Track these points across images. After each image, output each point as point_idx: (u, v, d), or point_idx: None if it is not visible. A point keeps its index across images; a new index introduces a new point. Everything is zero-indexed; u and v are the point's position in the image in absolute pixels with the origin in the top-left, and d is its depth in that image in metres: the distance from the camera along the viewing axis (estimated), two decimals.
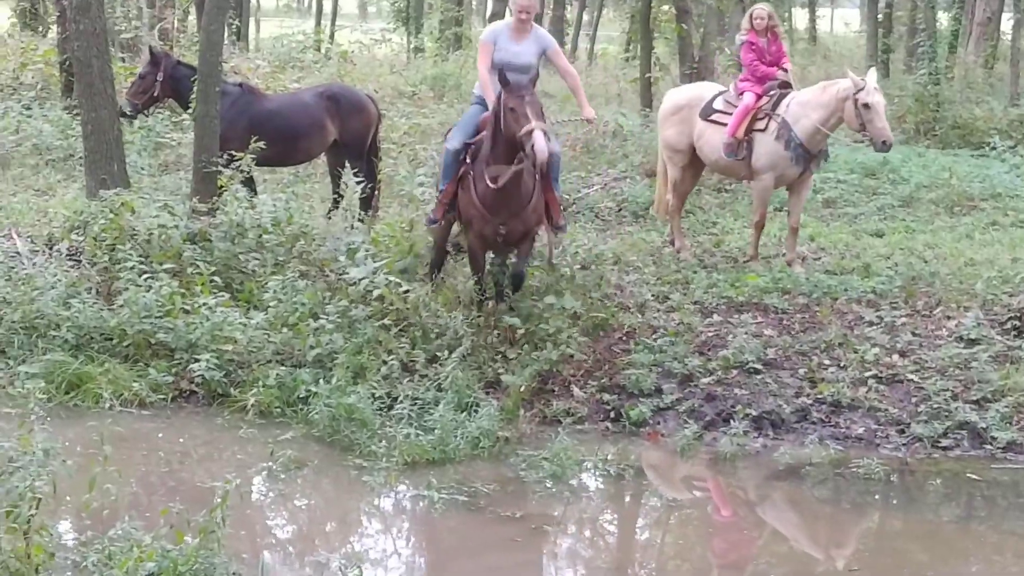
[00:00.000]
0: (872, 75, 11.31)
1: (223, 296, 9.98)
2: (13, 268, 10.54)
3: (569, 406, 9.39)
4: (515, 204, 9.54)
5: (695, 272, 11.64)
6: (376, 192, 12.60)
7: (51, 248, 11.16)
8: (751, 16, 11.90)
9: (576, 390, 9.57)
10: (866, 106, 10.89)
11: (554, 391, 9.57)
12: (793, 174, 11.55)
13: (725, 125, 11.69)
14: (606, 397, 9.47)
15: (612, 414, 9.37)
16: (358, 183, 11.93)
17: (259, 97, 12.86)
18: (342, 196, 12.50)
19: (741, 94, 11.74)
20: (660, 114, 12.79)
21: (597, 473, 8.62)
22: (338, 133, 12.66)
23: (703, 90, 12.50)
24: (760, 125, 11.58)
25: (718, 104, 11.91)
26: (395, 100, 19.52)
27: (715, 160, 12.01)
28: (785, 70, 11.80)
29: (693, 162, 12.37)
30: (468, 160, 9.75)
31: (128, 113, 12.83)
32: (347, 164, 12.73)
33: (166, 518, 6.22)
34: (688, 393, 9.49)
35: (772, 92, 11.64)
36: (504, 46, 9.88)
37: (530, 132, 8.84)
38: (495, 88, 9.40)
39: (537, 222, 9.85)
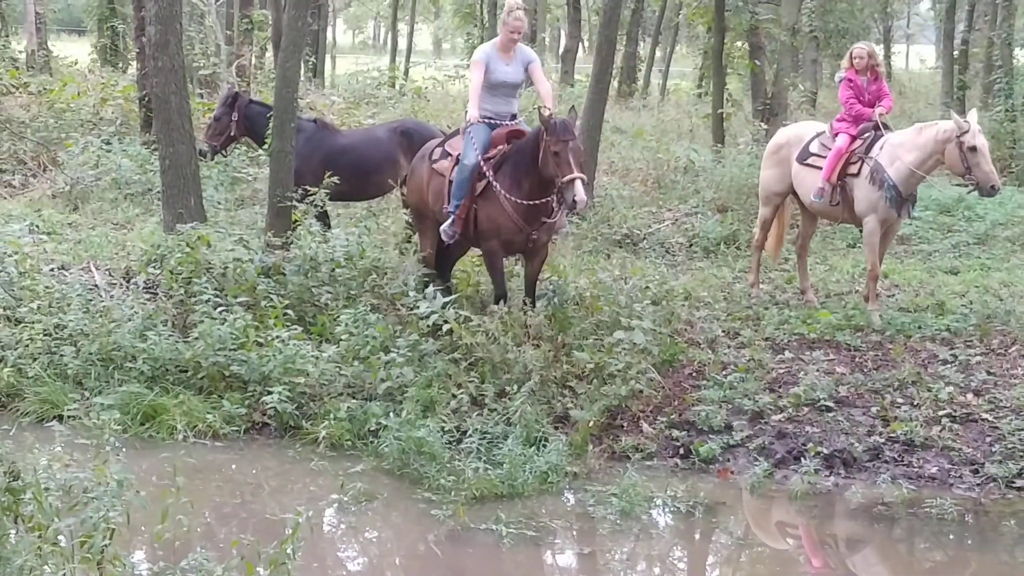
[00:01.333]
0: (974, 116, 10.89)
1: (296, 329, 10.09)
2: (91, 300, 10.76)
3: (638, 442, 9.36)
4: (547, 210, 10.19)
5: (766, 308, 11.60)
6: None
7: (128, 281, 11.37)
8: (851, 54, 11.70)
9: (645, 426, 9.55)
10: (972, 149, 10.49)
11: (623, 426, 9.55)
12: (891, 217, 11.16)
13: (819, 168, 11.44)
14: (675, 433, 9.43)
15: (681, 450, 9.32)
16: None
17: (333, 133, 13.02)
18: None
19: (836, 135, 11.47)
20: (765, 154, 12.61)
21: (666, 510, 8.58)
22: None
23: (803, 130, 12.19)
24: (853, 169, 11.26)
25: (814, 147, 11.64)
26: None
27: (811, 203, 11.69)
28: (885, 110, 11.47)
29: (793, 206, 12.22)
30: (490, 173, 10.18)
31: (207, 154, 13.08)
32: None
33: (238, 549, 6.28)
34: (758, 430, 9.43)
35: (866, 135, 11.32)
36: (496, 66, 10.41)
37: (572, 182, 9.51)
38: (473, 112, 10.29)
39: (559, 226, 10.61)
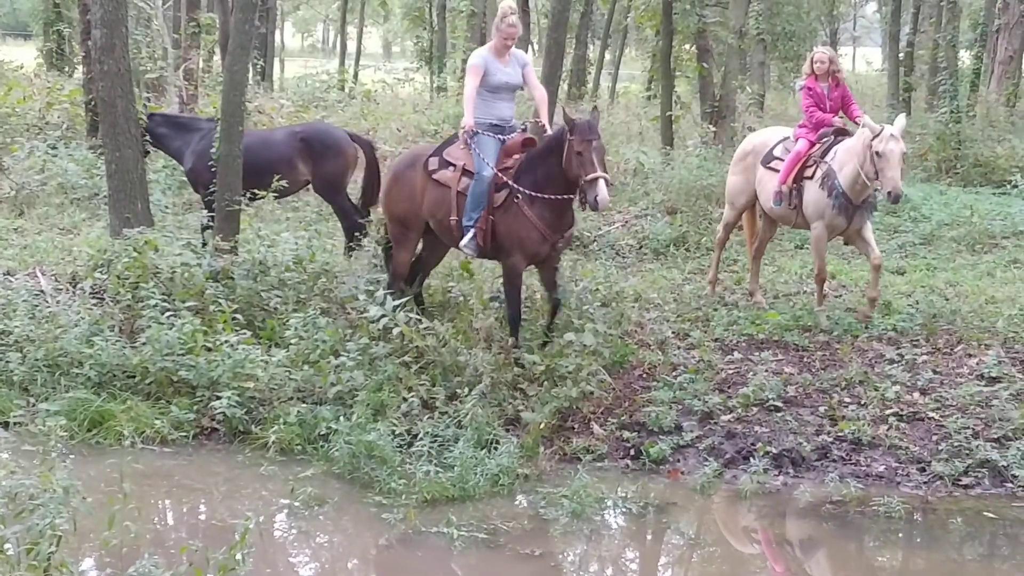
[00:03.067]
0: (899, 122, 10.88)
1: (245, 334, 10.04)
2: (37, 306, 10.66)
3: (589, 443, 9.38)
4: (570, 217, 10.19)
5: (715, 310, 11.67)
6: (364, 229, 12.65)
7: (75, 286, 11.28)
8: (811, 60, 11.66)
9: (596, 427, 9.58)
10: (878, 154, 10.52)
11: (574, 428, 9.57)
12: (840, 224, 11.14)
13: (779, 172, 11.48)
14: (626, 434, 9.47)
15: (632, 451, 9.36)
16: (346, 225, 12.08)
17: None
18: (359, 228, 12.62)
19: (797, 140, 11.51)
20: (733, 160, 12.62)
21: (617, 511, 8.61)
22: (310, 173, 12.77)
23: (769, 136, 12.19)
24: (809, 172, 11.28)
25: (778, 151, 11.67)
26: (418, 139, 19.61)
27: (770, 208, 11.71)
28: (854, 118, 11.38)
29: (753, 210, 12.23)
30: (510, 184, 9.97)
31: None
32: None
33: (187, 555, 6.23)
34: (708, 431, 9.49)
35: (825, 139, 11.33)
36: (496, 69, 10.26)
37: (595, 181, 9.44)
38: (469, 119, 10.09)
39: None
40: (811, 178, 11.26)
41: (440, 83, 28.25)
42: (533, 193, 9.87)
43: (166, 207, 14.75)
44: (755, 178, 11.87)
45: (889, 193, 10.57)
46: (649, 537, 8.63)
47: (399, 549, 7.97)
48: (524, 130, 10.50)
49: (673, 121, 19.31)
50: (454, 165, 10.28)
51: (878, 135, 10.57)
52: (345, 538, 8.24)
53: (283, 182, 12.13)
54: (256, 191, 11.88)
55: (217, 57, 23.87)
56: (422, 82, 29.55)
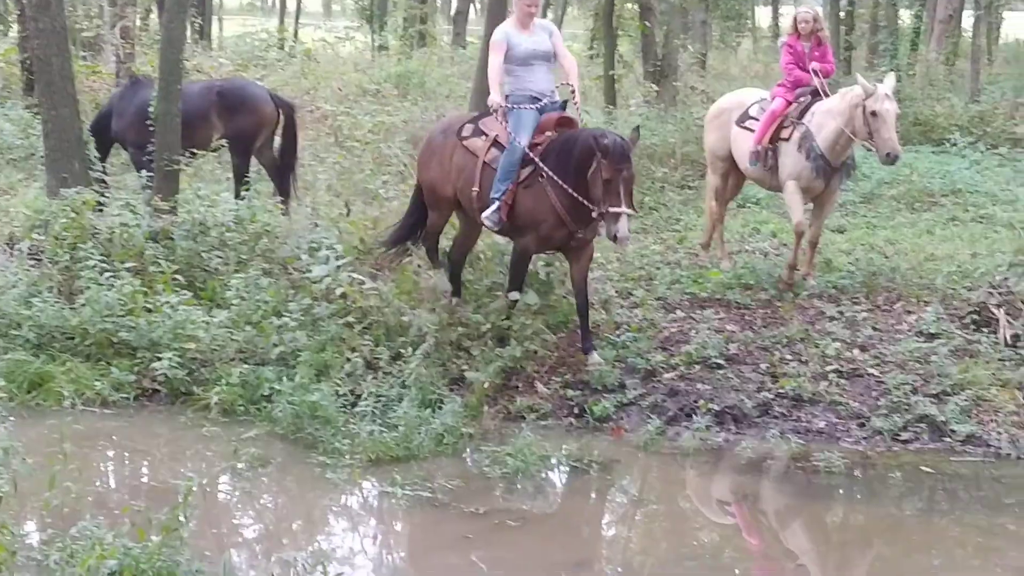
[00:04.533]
0: (889, 81, 10.70)
1: (186, 294, 9.97)
2: None
3: (533, 402, 9.41)
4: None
5: (658, 268, 11.70)
6: (291, 192, 12.55)
7: (12, 247, 11.11)
8: (795, 19, 11.41)
9: (540, 386, 9.60)
10: (873, 114, 10.30)
11: (518, 387, 9.59)
12: (817, 186, 10.97)
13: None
14: (570, 393, 9.50)
15: (576, 410, 9.39)
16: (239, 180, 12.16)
17: (146, 87, 12.72)
18: (286, 192, 12.53)
19: (773, 99, 11.30)
20: (706, 119, 12.43)
21: (560, 468, 8.64)
22: (223, 129, 12.60)
23: (745, 96, 11.98)
24: (785, 134, 11.07)
25: (753, 111, 11.45)
26: (359, 98, 19.48)
27: (746, 169, 11.52)
28: (826, 74, 11.20)
29: (736, 170, 11.90)
30: (536, 161, 9.51)
31: None
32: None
33: (128, 516, 6.20)
34: (651, 388, 9.53)
35: (802, 99, 11.12)
36: (522, 40, 9.77)
37: (617, 216, 8.90)
38: (495, 96, 9.61)
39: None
40: (787, 139, 11.05)
41: (381, 42, 28.04)
42: (556, 178, 9.34)
43: (103, 167, 14.52)
44: (730, 136, 11.68)
45: (888, 154, 10.40)
46: (593, 494, 8.66)
47: (343, 509, 7.97)
48: (563, 106, 9.96)
49: (615, 80, 19.28)
50: (486, 135, 9.89)
51: (872, 95, 10.35)
52: (289, 498, 8.22)
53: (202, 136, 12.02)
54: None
55: (154, 15, 23.56)
56: (363, 41, 29.30)
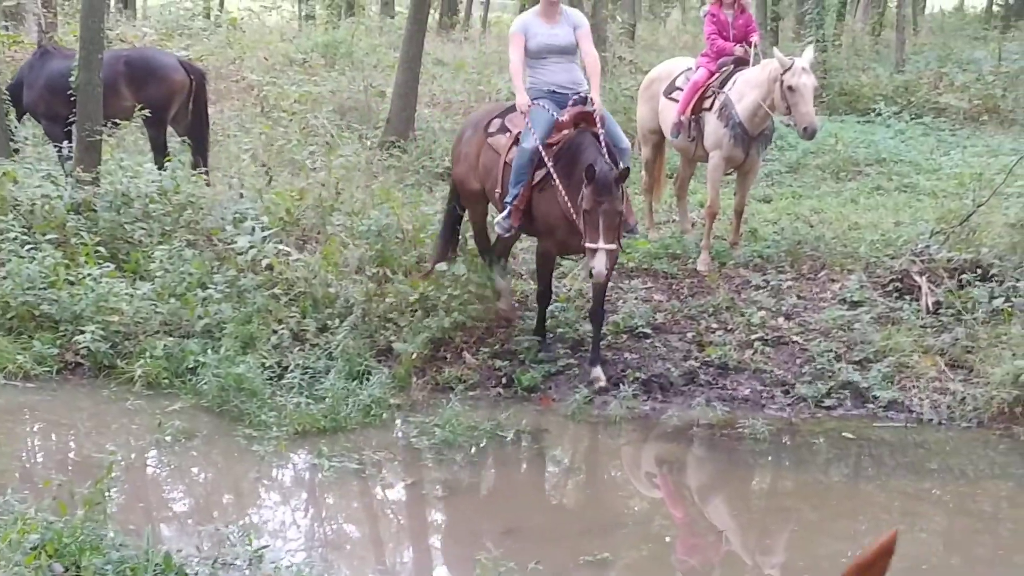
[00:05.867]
0: (807, 54, 10.65)
1: (108, 267, 9.84)
2: None
3: (461, 373, 9.40)
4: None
5: None
6: (205, 164, 12.40)
7: None
8: None
9: (468, 357, 9.60)
10: (791, 88, 10.24)
11: (446, 358, 9.58)
12: (737, 156, 10.91)
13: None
14: (498, 363, 9.50)
15: (504, 380, 9.40)
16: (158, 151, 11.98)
17: (55, 57, 12.54)
18: (204, 161, 12.40)
19: (697, 69, 11.21)
20: (639, 92, 12.30)
21: (488, 439, 8.62)
22: (135, 98, 12.40)
23: (674, 66, 11.85)
24: (708, 103, 11.01)
25: (680, 81, 11.37)
26: (285, 68, 19.29)
27: (670, 140, 11.44)
28: (750, 44, 11.14)
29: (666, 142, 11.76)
30: (550, 162, 9.00)
31: None
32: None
33: (50, 490, 6.12)
34: (579, 358, 9.56)
35: (724, 68, 11.06)
36: (539, 31, 9.24)
37: (593, 252, 8.52)
38: (521, 97, 9.14)
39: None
40: (710, 109, 11.01)
41: (308, 11, 27.78)
42: (566, 182, 8.84)
43: (25, 138, 14.27)
44: (659, 108, 11.62)
45: (805, 129, 10.35)
46: (522, 464, 8.68)
47: (270, 481, 7.92)
48: (576, 102, 9.28)
49: None
50: (510, 132, 9.42)
51: (789, 69, 10.31)
52: (215, 471, 8.17)
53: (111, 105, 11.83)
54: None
55: None
56: (290, 10, 29.02)
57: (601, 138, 8.91)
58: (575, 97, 9.24)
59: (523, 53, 9.24)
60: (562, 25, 9.31)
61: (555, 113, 9.12)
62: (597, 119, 9.01)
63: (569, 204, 8.76)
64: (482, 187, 9.64)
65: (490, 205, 9.85)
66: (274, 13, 27.57)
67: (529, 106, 9.10)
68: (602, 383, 9.15)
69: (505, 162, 9.32)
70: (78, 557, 5.60)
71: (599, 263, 8.47)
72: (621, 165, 8.83)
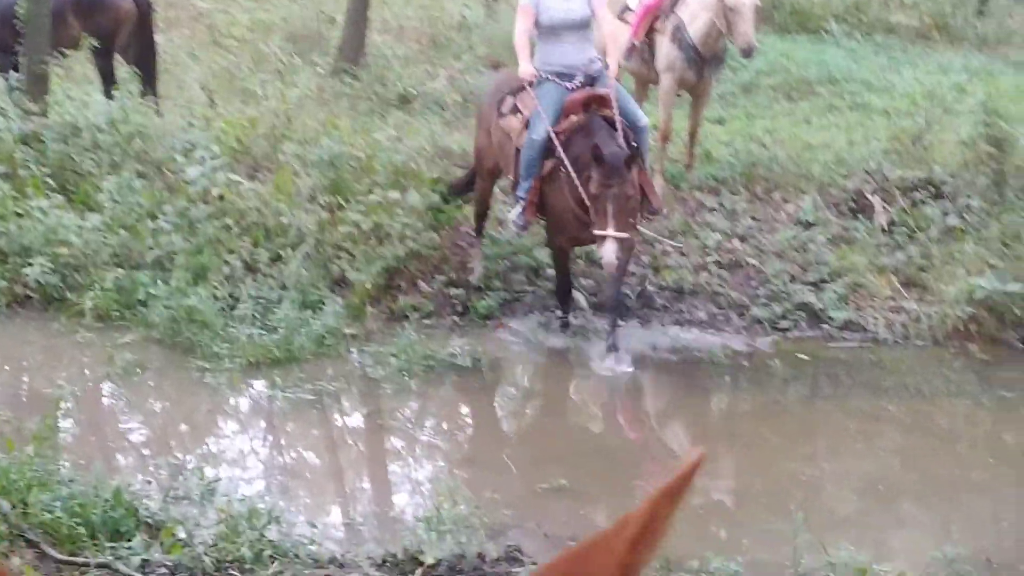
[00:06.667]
0: None
1: (57, 198, 9.67)
2: None
3: (416, 301, 9.35)
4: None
5: None
6: (154, 93, 12.18)
7: None
8: None
9: (423, 285, 9.54)
10: (731, 8, 10.10)
11: (401, 287, 9.50)
12: (690, 78, 10.59)
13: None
14: (453, 291, 9.45)
15: (460, 308, 9.36)
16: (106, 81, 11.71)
17: None
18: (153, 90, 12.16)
19: None
20: None
21: (444, 367, 8.59)
22: (82, 28, 12.10)
23: None
24: (659, 25, 10.74)
25: (632, 3, 11.06)
26: None
27: (623, 63, 10.85)
28: None
29: None
30: (559, 151, 8.37)
31: None
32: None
33: None
34: (535, 284, 9.53)
35: None
36: (551, 4, 8.46)
37: (602, 240, 7.98)
38: (525, 65, 8.52)
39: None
40: (661, 31, 10.77)
41: None
42: (576, 170, 8.19)
43: None
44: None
45: (743, 49, 10.20)
46: (479, 393, 8.67)
47: (223, 413, 7.89)
48: (585, 82, 8.59)
49: None
50: (522, 114, 8.71)
51: None
52: (168, 403, 8.10)
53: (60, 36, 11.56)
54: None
55: None
56: None
57: (617, 121, 8.32)
58: (581, 78, 8.54)
59: (530, 26, 8.55)
60: None
61: (568, 85, 8.49)
62: (613, 99, 8.38)
63: (582, 193, 8.12)
64: (497, 165, 9.18)
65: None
66: None
67: (535, 76, 8.51)
68: (627, 368, 8.53)
69: (516, 147, 8.72)
70: (24, 495, 5.54)
71: (608, 252, 7.92)
72: (639, 146, 8.42)
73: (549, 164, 8.47)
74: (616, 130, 8.29)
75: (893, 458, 7.54)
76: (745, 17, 10.13)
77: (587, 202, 8.08)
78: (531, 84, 8.52)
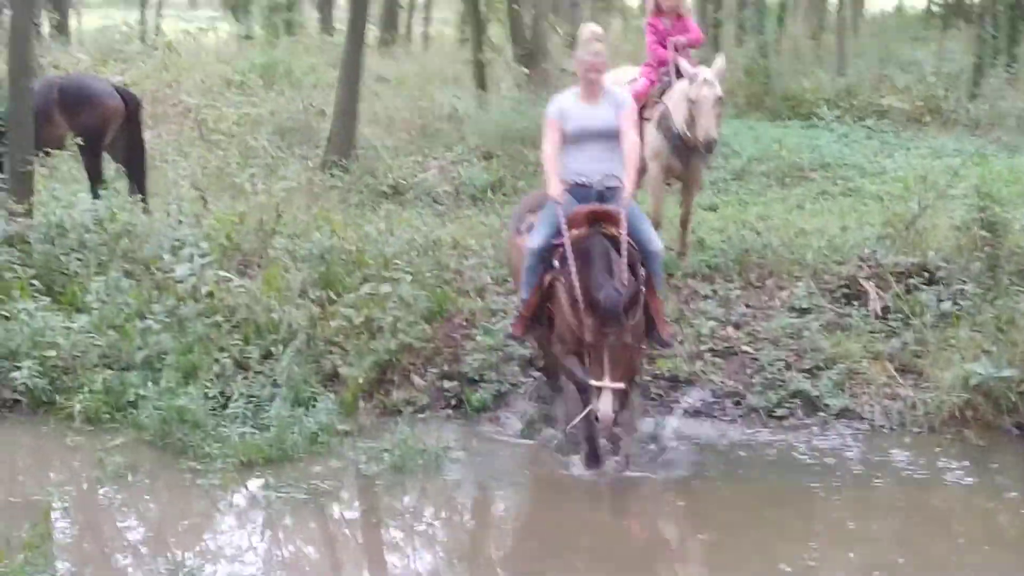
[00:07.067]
0: (716, 64, 10.40)
1: (44, 300, 9.62)
2: None
3: (410, 395, 9.25)
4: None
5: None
6: (143, 191, 12.16)
7: None
8: None
9: (416, 378, 9.44)
10: (692, 101, 10.18)
11: (394, 381, 9.41)
12: (676, 166, 10.73)
13: None
14: (447, 384, 9.35)
15: (454, 401, 9.25)
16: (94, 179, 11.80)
17: None
18: (142, 189, 12.15)
19: (639, 80, 11.00)
20: None
21: (439, 462, 8.45)
22: (69, 126, 12.12)
23: (621, 75, 11.28)
24: (648, 113, 10.81)
25: None
26: (223, 90, 19.05)
27: None
28: (692, 45, 10.94)
29: None
30: (556, 264, 7.96)
31: None
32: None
33: None
34: (529, 376, 9.43)
35: (665, 78, 10.85)
36: (577, 113, 8.13)
37: (598, 392, 7.39)
38: (554, 186, 8.05)
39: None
40: (649, 119, 10.85)
41: (246, 31, 27.56)
42: (571, 283, 7.63)
43: None
44: None
45: (703, 142, 10.22)
46: (474, 487, 8.52)
47: (215, 515, 7.73)
48: (596, 196, 8.09)
49: (485, 64, 19.16)
50: None
51: (693, 81, 10.24)
52: (159, 506, 7.93)
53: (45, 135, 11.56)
54: None
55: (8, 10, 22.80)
56: (228, 31, 28.76)
57: (623, 242, 7.72)
58: (597, 191, 8.09)
59: (558, 140, 8.16)
60: (603, 105, 8.15)
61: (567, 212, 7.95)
62: (622, 219, 7.80)
63: (577, 302, 7.54)
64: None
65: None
66: (211, 34, 27.31)
67: (562, 197, 8.03)
68: (626, 471, 8.11)
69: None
70: None
71: (605, 405, 7.32)
72: (644, 272, 7.97)
73: (551, 276, 8.03)
74: (620, 254, 7.68)
75: (890, 543, 7.41)
76: (703, 110, 10.19)
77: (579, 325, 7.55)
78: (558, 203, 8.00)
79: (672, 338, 8.48)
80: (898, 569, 7.09)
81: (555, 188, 8.03)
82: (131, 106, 12.46)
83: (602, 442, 8.07)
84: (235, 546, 7.39)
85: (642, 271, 7.95)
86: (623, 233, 7.72)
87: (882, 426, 8.98)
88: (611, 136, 8.09)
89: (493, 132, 15.94)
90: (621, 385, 7.39)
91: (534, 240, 8.08)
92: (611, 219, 7.83)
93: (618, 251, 7.69)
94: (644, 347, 8.27)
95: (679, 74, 10.75)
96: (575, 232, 7.81)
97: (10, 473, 8.35)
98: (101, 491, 7.95)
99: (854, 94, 18.91)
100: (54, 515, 7.13)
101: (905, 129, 17.62)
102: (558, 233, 7.86)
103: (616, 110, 8.14)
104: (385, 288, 9.68)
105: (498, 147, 15.56)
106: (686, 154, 10.73)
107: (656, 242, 8.21)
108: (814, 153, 15.65)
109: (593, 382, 7.39)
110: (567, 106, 8.21)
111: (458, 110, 17.48)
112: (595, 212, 7.89)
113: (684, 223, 11.16)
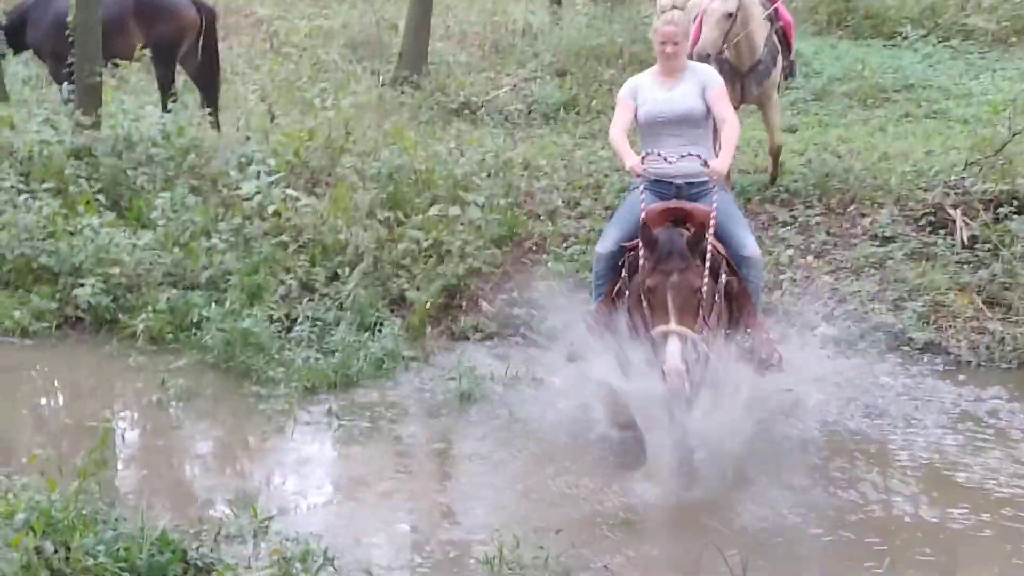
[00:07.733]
0: None
1: (109, 215, 9.53)
2: None
3: (477, 321, 9.06)
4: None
5: (607, 176, 11.25)
6: (214, 105, 11.98)
7: None
8: None
9: (484, 304, 9.24)
10: (707, 13, 9.77)
11: (461, 306, 9.25)
12: (733, 93, 9.69)
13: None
14: (515, 311, 9.12)
15: (522, 328, 9.02)
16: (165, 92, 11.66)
17: None
18: (213, 103, 11.97)
19: None
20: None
21: (506, 389, 8.25)
22: (144, 37, 11.94)
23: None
24: None
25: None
26: (296, 1, 18.80)
27: None
28: None
29: None
30: (625, 272, 6.95)
31: None
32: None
33: (37, 463, 5.81)
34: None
35: None
36: (651, 95, 7.09)
37: (664, 336, 6.31)
38: (629, 159, 6.97)
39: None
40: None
41: None
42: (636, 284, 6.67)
43: (25, 80, 13.92)
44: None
45: (697, 54, 9.52)
46: (543, 416, 8.30)
47: (278, 442, 7.59)
48: (676, 194, 7.08)
49: None
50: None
51: None
52: (222, 431, 7.81)
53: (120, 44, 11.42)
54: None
55: None
56: None
57: (709, 246, 6.63)
58: (676, 186, 7.09)
59: (628, 122, 7.15)
60: (684, 85, 7.09)
61: (643, 200, 6.92)
62: (710, 219, 6.75)
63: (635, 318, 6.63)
64: None
65: None
66: None
67: (643, 168, 6.97)
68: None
69: None
70: (67, 536, 5.26)
71: (672, 355, 6.17)
72: (746, 280, 6.99)
73: (620, 282, 6.99)
74: (703, 261, 6.53)
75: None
76: (709, 23, 9.80)
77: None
78: (638, 175, 7.01)
79: (778, 359, 7.17)
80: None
81: (631, 159, 6.97)
82: (208, 18, 12.29)
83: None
84: (298, 474, 7.24)
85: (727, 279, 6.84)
86: (710, 232, 6.70)
87: (969, 361, 8.64)
88: (693, 122, 7.06)
89: (567, 49, 15.55)
90: (685, 330, 6.30)
91: (604, 243, 7.15)
92: (694, 219, 6.80)
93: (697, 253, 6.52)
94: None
95: None
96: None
97: (72, 395, 8.28)
98: (162, 416, 7.84)
99: (939, 13, 18.18)
100: (112, 441, 7.01)
101: (991, 50, 16.96)
102: (632, 234, 6.84)
103: (700, 90, 7.07)
104: (454, 210, 9.46)
105: (572, 64, 15.18)
106: (735, 79, 10.08)
107: (751, 247, 7.10)
108: (897, 74, 15.07)
109: (657, 329, 6.32)
110: (642, 87, 7.18)
111: (532, 25, 17.08)
112: (672, 210, 6.89)
113: (772, 154, 10.72)
